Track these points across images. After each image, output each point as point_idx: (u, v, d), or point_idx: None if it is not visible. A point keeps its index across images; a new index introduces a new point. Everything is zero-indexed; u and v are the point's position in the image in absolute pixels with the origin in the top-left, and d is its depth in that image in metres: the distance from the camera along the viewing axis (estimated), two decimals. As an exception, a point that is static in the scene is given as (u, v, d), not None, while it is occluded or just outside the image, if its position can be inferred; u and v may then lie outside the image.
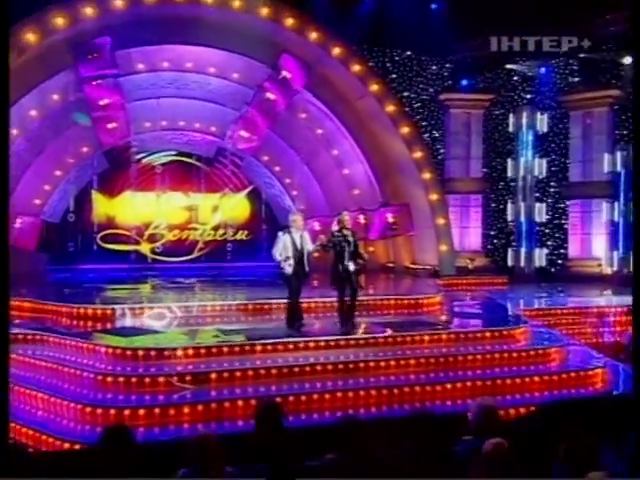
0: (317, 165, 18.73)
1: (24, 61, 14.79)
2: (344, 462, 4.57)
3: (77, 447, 7.13)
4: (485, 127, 20.15)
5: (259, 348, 9.53)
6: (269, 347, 9.56)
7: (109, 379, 8.53)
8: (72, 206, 18.09)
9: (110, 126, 16.76)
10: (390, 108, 17.52)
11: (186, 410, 7.84)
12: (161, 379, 8.42)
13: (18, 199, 16.32)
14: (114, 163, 18.18)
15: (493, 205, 20.31)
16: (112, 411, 7.74)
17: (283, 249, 10.26)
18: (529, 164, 19.08)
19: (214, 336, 10.12)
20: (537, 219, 19.15)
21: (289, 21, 16.44)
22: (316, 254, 10.89)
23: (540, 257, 19.10)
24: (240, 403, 7.96)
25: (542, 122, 18.95)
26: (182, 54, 16.74)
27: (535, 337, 11.30)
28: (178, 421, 7.68)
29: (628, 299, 14.34)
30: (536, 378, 9.52)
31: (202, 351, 9.32)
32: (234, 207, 19.53)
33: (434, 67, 20.39)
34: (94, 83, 16.01)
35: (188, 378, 8.46)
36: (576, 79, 19.01)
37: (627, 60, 17.54)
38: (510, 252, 19.49)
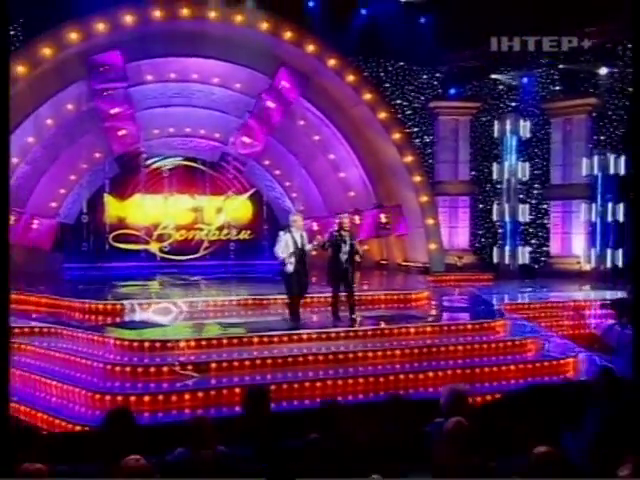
0: (315, 169, 18.80)
1: (40, 73, 14.98)
2: (325, 442, 4.76)
3: (87, 430, 7.31)
4: (472, 133, 20.22)
5: (256, 340, 9.62)
6: (265, 339, 9.65)
7: (117, 369, 8.63)
8: (85, 208, 18.05)
9: (120, 134, 16.86)
10: (382, 115, 17.62)
11: (187, 397, 7.94)
12: (165, 369, 8.52)
13: (35, 202, 16.53)
14: (125, 168, 18.18)
15: (480, 206, 20.37)
16: (119, 398, 7.84)
17: (285, 247, 10.29)
18: (513, 168, 19.08)
19: (217, 329, 10.28)
20: (521, 219, 19.16)
21: (287, 34, 16.51)
22: (314, 252, 11.00)
23: (524, 255, 19.09)
24: (237, 390, 8.03)
25: (525, 128, 18.93)
26: (188, 66, 16.85)
27: (514, 329, 11.39)
28: (180, 407, 7.78)
29: (604, 294, 14.62)
30: (512, 367, 9.64)
31: (203, 343, 9.42)
32: (237, 208, 19.51)
33: (425, 76, 20.49)
34: (105, 94, 16.11)
35: (190, 368, 8.59)
36: (557, 88, 19.02)
37: (603, 71, 17.70)
38: (496, 250, 19.48)
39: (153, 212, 18.74)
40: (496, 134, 19.36)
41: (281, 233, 10.56)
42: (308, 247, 10.48)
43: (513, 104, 19.75)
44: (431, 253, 17.92)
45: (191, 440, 4.58)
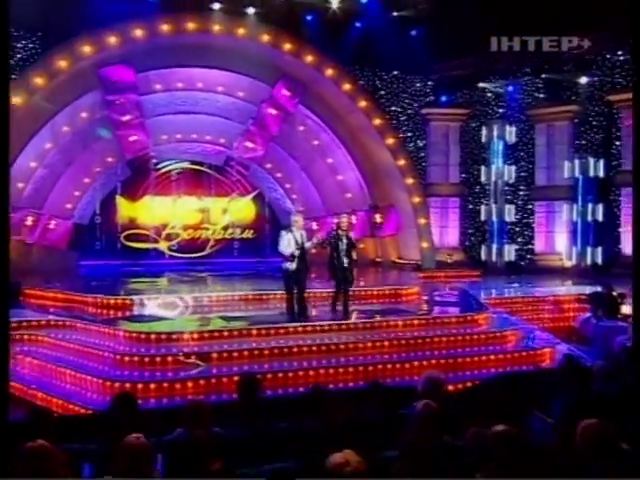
0: (314, 172, 18.95)
1: (56, 84, 15.19)
2: (310, 424, 4.97)
3: (95, 413, 7.44)
4: (462, 138, 20.34)
5: (255, 332, 9.75)
6: (263, 331, 9.78)
7: (126, 358, 8.75)
8: (99, 209, 18.19)
9: (131, 140, 17.01)
10: (377, 122, 17.78)
11: (190, 384, 8.04)
12: (169, 358, 8.65)
13: (52, 204, 16.69)
14: (136, 171, 18.30)
15: (469, 207, 20.47)
16: (128, 385, 7.91)
17: (287, 246, 10.35)
18: (500, 170, 19.17)
19: (220, 322, 10.45)
20: (507, 219, 19.24)
21: (287, 46, 16.67)
22: (313, 250, 11.12)
23: (510, 252, 19.19)
24: (236, 378, 7.90)
25: (511, 133, 19.01)
26: (194, 75, 17.02)
27: (495, 322, 11.43)
28: (183, 393, 7.87)
29: (584, 289, 14.76)
30: (492, 357, 9.70)
31: (205, 335, 9.53)
32: (241, 209, 19.65)
33: (418, 85, 20.62)
34: (117, 102, 16.30)
35: (193, 358, 8.74)
36: (540, 96, 19.13)
37: (583, 80, 17.86)
38: (484, 248, 19.57)
39: (162, 213, 18.86)
40: (484, 139, 19.44)
41: (283, 232, 10.62)
42: (307, 245, 10.55)
43: (500, 111, 19.85)
44: (423, 251, 18.07)
45: (188, 421, 4.74)
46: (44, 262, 16.24)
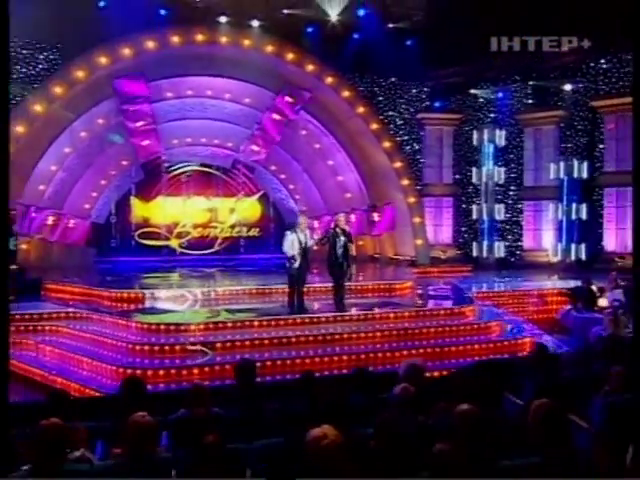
0: (315, 173, 19.04)
1: (75, 93, 15.41)
2: (298, 407, 5.21)
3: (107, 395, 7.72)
4: (455, 141, 20.42)
5: (256, 323, 10.00)
6: (264, 322, 10.03)
7: (138, 347, 8.98)
8: (114, 209, 18.29)
9: (144, 144, 17.19)
10: (374, 126, 17.90)
11: (195, 371, 8.32)
12: (177, 347, 8.92)
13: (71, 204, 16.90)
14: (149, 173, 18.38)
15: (462, 206, 20.50)
16: (139, 372, 8.16)
17: (291, 246, 10.51)
18: (491, 172, 19.23)
19: (225, 314, 10.68)
20: (497, 217, 19.28)
21: (290, 56, 16.82)
22: (315, 248, 11.28)
23: (500, 249, 19.24)
24: None
25: (501, 137, 19.06)
26: (203, 84, 17.15)
27: (481, 314, 11.61)
28: (189, 379, 8.06)
29: (568, 283, 14.95)
30: (476, 346, 9.93)
31: (211, 326, 9.79)
32: (247, 209, 19.69)
33: (414, 91, 20.67)
34: (131, 109, 16.50)
35: (198, 346, 9.01)
36: (529, 101, 19.17)
37: (568, 87, 18.01)
38: (475, 245, 19.62)
39: (173, 212, 18.92)
40: (475, 142, 19.47)
41: (287, 233, 10.78)
42: (310, 243, 10.74)
43: (491, 115, 19.89)
44: (418, 248, 18.15)
45: (190, 402, 5.02)
46: (64, 259, 16.54)
